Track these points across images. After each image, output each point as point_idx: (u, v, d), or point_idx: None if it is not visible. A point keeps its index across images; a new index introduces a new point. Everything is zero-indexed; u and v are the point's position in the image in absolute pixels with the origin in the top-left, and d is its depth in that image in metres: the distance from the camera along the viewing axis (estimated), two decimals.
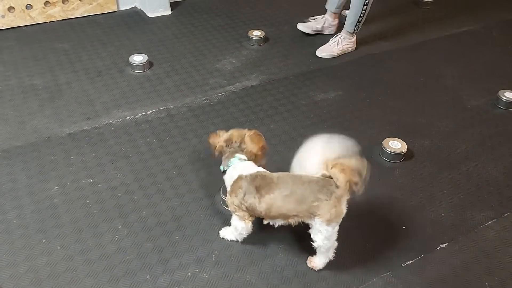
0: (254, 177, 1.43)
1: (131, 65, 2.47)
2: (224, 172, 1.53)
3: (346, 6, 2.65)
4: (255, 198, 1.40)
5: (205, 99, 2.28)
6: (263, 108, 2.23)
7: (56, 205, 1.68)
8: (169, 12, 3.09)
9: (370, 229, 1.65)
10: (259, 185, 1.41)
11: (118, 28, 2.88)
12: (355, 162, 1.37)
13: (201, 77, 2.45)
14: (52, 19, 2.89)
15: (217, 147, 1.54)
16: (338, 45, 2.62)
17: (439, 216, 1.70)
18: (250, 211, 1.44)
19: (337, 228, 1.41)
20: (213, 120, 2.14)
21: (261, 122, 2.13)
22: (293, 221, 1.42)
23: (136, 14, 3.06)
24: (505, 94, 2.30)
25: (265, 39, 2.79)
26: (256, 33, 2.78)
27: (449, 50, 2.79)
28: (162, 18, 3.03)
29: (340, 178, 1.34)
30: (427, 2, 3.31)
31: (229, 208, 1.51)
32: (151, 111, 2.17)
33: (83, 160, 1.88)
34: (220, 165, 1.55)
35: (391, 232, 1.64)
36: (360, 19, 2.54)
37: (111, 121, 2.10)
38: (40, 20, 2.86)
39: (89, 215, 1.65)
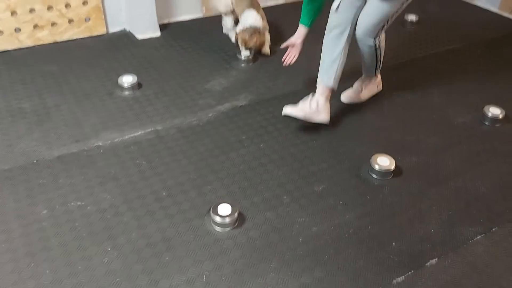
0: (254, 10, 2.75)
1: (120, 87, 2.48)
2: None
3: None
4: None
5: (194, 120, 2.29)
6: (253, 128, 2.24)
7: (45, 228, 1.66)
8: (158, 34, 3.12)
9: (360, 246, 1.65)
10: None
11: (107, 50, 2.90)
12: None
13: (190, 98, 2.46)
14: (40, 43, 2.91)
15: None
16: (366, 91, 2.43)
17: (429, 232, 1.71)
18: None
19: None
20: (202, 140, 2.14)
21: (251, 142, 2.14)
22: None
23: (125, 37, 3.09)
24: (490, 110, 2.34)
25: (254, 59, 2.83)
26: (245, 54, 2.81)
27: (435, 68, 2.84)
28: (151, 40, 3.06)
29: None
30: (413, 22, 3.39)
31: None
32: (140, 133, 2.18)
33: (72, 182, 1.87)
34: None
35: (381, 249, 1.64)
36: (379, 65, 2.34)
37: (100, 143, 2.09)
38: (29, 43, 2.87)
39: (78, 238, 1.63)
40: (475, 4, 3.78)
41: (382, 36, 2.19)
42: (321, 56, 2.20)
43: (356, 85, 2.43)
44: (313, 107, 2.12)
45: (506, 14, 3.59)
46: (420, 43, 3.11)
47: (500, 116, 2.31)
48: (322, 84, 2.18)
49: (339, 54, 2.14)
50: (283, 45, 2.26)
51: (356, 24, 2.11)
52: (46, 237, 1.63)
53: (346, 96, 2.43)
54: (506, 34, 3.32)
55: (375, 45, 2.16)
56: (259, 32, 2.67)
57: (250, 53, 2.74)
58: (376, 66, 2.31)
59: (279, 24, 3.25)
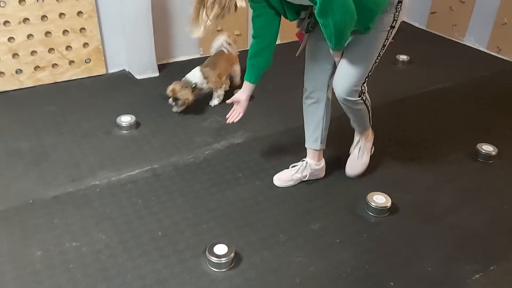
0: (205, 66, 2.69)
1: (118, 126, 2.51)
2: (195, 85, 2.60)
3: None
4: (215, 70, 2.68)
5: (191, 158, 2.31)
6: (249, 165, 2.26)
7: (39, 270, 1.64)
8: (157, 74, 3.19)
9: (358, 286, 1.63)
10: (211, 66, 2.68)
11: (106, 90, 2.96)
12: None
13: (187, 136, 2.49)
14: (41, 83, 2.96)
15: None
16: (366, 153, 2.18)
17: (426, 271, 1.70)
18: (219, 77, 2.70)
19: None
20: (198, 178, 2.15)
21: (247, 179, 2.16)
22: (230, 72, 2.87)
23: (124, 77, 3.16)
24: (483, 147, 2.37)
25: (250, 98, 2.86)
26: (173, 106, 2.82)
27: (426, 106, 2.90)
28: (150, 80, 3.12)
29: (235, 48, 2.88)
30: (404, 61, 3.49)
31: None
32: (136, 171, 2.19)
33: (67, 223, 1.86)
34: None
35: None
36: (370, 116, 2.08)
37: (96, 182, 2.10)
38: (29, 84, 2.93)
39: (72, 280, 1.61)
40: (464, 43, 3.90)
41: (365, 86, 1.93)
42: (304, 119, 2.10)
43: (355, 151, 2.18)
44: (305, 174, 2.10)
45: (493, 53, 3.70)
46: (411, 82, 3.18)
47: (493, 153, 2.35)
48: (311, 148, 2.10)
49: (320, 120, 2.02)
50: (228, 101, 2.08)
51: (333, 86, 1.90)
52: (40, 280, 1.60)
53: (350, 168, 2.17)
54: (494, 72, 3.41)
55: (363, 100, 1.91)
56: (195, 89, 2.62)
57: (176, 105, 2.63)
58: (369, 118, 2.08)
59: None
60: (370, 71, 1.82)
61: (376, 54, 1.78)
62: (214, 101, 2.81)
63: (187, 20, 1.71)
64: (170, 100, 2.62)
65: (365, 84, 1.87)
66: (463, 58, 3.65)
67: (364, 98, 1.92)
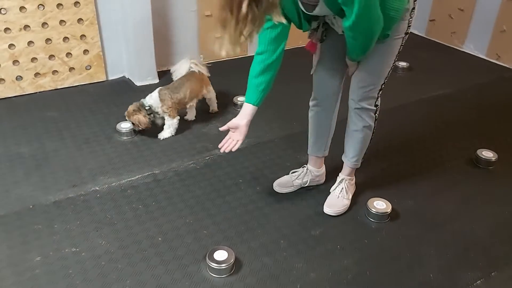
0: (166, 89, 2.48)
1: (118, 132, 2.51)
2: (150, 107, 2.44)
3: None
4: (178, 94, 2.47)
5: (191, 163, 2.31)
6: (250, 171, 2.26)
7: (38, 276, 1.63)
8: (157, 80, 3.20)
9: None
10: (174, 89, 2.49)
11: (106, 96, 2.96)
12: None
13: (188, 141, 2.49)
14: (42, 89, 2.97)
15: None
16: (348, 193, 2.01)
17: (428, 277, 1.69)
18: (178, 104, 2.47)
19: None
20: (199, 184, 2.15)
21: (247, 185, 2.15)
22: (200, 95, 2.63)
23: (124, 83, 3.16)
24: (483, 153, 2.37)
25: None
26: (241, 99, 2.87)
27: (426, 112, 2.91)
28: (150, 87, 3.12)
29: (205, 69, 2.65)
30: (404, 68, 3.50)
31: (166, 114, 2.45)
32: (137, 177, 2.19)
33: (67, 228, 1.86)
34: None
35: None
36: (366, 150, 1.97)
37: (97, 188, 2.10)
38: (30, 90, 2.93)
39: (71, 286, 1.60)
40: (464, 50, 3.92)
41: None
42: (309, 127, 2.05)
43: (336, 191, 2.02)
44: (306, 181, 2.09)
45: (493, 60, 3.72)
46: (411, 89, 3.19)
47: (493, 159, 2.35)
48: (313, 155, 2.08)
49: (327, 128, 1.99)
50: (223, 128, 1.79)
51: (350, 93, 1.83)
52: (39, 286, 1.59)
53: (329, 206, 1.99)
54: (493, 79, 3.43)
55: (375, 115, 1.85)
56: (151, 112, 2.45)
57: (133, 126, 2.48)
58: (367, 145, 1.95)
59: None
60: (386, 77, 1.78)
61: (392, 61, 1.76)
62: (164, 133, 2.50)
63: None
64: (127, 121, 2.48)
65: (381, 93, 1.82)
66: (463, 65, 3.66)
67: (377, 114, 1.86)
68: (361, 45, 1.59)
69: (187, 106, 2.58)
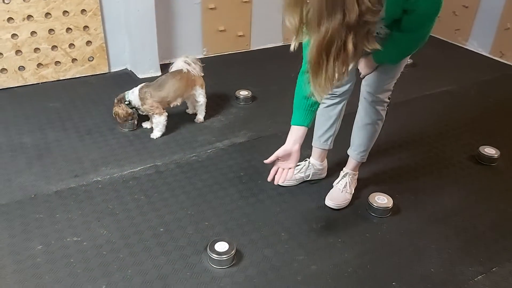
0: (148, 86, 2.39)
1: (121, 123, 2.50)
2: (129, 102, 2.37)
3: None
4: (161, 92, 2.38)
5: (193, 156, 2.31)
6: (251, 164, 2.26)
7: (39, 264, 1.63)
8: (159, 73, 3.19)
9: (360, 286, 1.62)
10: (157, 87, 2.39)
11: (109, 88, 2.96)
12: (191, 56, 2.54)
13: (190, 134, 2.49)
14: (44, 80, 2.97)
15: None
16: (350, 188, 2.01)
17: (429, 271, 1.69)
18: (160, 103, 2.37)
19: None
20: (201, 176, 2.15)
21: (249, 178, 2.15)
22: (187, 95, 2.51)
23: (127, 75, 3.16)
24: (486, 150, 2.37)
25: (252, 98, 2.88)
26: (244, 93, 2.87)
27: (430, 108, 2.90)
28: (153, 79, 3.10)
29: (197, 68, 2.51)
30: (407, 64, 3.47)
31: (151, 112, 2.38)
32: (139, 168, 2.18)
33: (69, 218, 1.86)
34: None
35: None
36: (372, 145, 1.97)
37: (98, 178, 2.10)
38: (33, 81, 2.93)
39: (72, 275, 1.60)
40: (467, 48, 3.90)
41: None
42: (315, 120, 2.00)
43: (339, 184, 2.01)
44: (308, 174, 2.08)
45: (496, 58, 3.71)
46: (415, 85, 3.18)
47: (496, 156, 2.34)
48: (319, 148, 2.06)
49: (335, 121, 1.97)
50: (270, 160, 1.63)
51: (367, 86, 1.82)
52: (40, 274, 1.60)
53: (331, 199, 1.98)
54: (497, 76, 3.42)
55: (387, 108, 1.87)
56: (132, 107, 2.38)
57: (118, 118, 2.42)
58: (375, 137, 1.95)
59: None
60: (401, 71, 1.81)
61: (406, 61, 1.80)
62: (155, 133, 2.42)
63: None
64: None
65: (394, 86, 1.84)
66: (466, 62, 3.65)
67: (388, 107, 1.88)
68: (402, 50, 1.60)
69: (171, 105, 2.45)
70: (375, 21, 1.21)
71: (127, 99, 2.38)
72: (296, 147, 1.61)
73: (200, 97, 2.55)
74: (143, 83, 2.42)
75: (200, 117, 2.61)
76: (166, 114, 2.41)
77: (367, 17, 1.18)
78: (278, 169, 1.65)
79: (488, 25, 3.71)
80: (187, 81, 2.47)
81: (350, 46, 1.21)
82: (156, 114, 2.38)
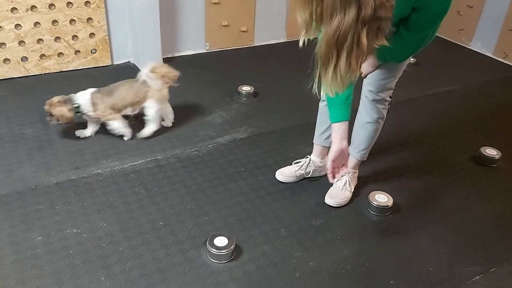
0: (99, 92, 2.27)
1: (122, 117, 2.50)
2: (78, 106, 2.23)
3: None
4: (111, 99, 2.25)
5: (194, 150, 2.31)
6: (252, 160, 2.26)
7: (39, 255, 1.64)
8: None
9: (357, 283, 1.63)
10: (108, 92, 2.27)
11: (111, 80, 2.91)
12: (165, 67, 2.40)
13: (191, 129, 2.49)
14: (47, 71, 2.96)
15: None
16: (350, 186, 2.01)
17: (427, 270, 1.69)
18: (111, 109, 2.25)
19: (159, 106, 2.35)
20: (201, 171, 2.15)
21: (249, 174, 2.15)
22: (138, 107, 2.36)
23: (129, 68, 3.16)
24: (487, 151, 2.37)
25: (254, 94, 2.88)
26: (246, 88, 2.87)
27: (432, 108, 2.90)
28: None
29: (156, 84, 2.31)
30: (410, 63, 3.47)
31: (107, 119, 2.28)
32: (140, 162, 2.19)
33: (69, 209, 1.86)
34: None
35: (379, 287, 1.61)
36: (373, 143, 1.97)
37: (99, 171, 2.10)
38: (35, 72, 2.93)
39: (71, 266, 1.61)
40: (471, 48, 3.89)
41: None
42: (317, 117, 2.03)
43: (339, 182, 2.01)
44: (309, 171, 2.08)
45: (500, 59, 3.70)
46: (417, 84, 3.18)
47: (497, 157, 2.34)
48: (321, 145, 2.06)
49: None
50: (330, 169, 1.65)
51: (368, 84, 1.82)
52: (39, 265, 1.60)
53: (331, 197, 1.99)
54: (500, 77, 3.41)
55: (387, 107, 1.86)
56: (78, 111, 2.23)
57: (51, 118, 2.25)
58: (376, 136, 1.96)
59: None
60: (403, 69, 1.81)
61: (409, 60, 1.80)
62: (125, 137, 2.34)
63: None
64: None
65: (395, 85, 1.83)
66: (470, 63, 3.64)
67: (389, 106, 1.87)
68: (408, 49, 1.59)
69: (121, 113, 2.31)
70: (387, 17, 1.19)
71: (76, 103, 2.22)
72: (344, 143, 1.62)
73: (150, 110, 2.33)
74: (92, 89, 2.27)
75: (146, 132, 2.37)
76: (120, 117, 2.30)
77: (380, 12, 1.16)
78: (333, 168, 1.65)
79: (492, 25, 3.70)
80: (137, 91, 2.30)
81: (364, 41, 1.18)
82: (109, 120, 2.27)
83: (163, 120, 2.47)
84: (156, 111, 2.34)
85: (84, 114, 2.26)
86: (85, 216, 1.83)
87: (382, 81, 1.79)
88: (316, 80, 1.31)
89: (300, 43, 1.34)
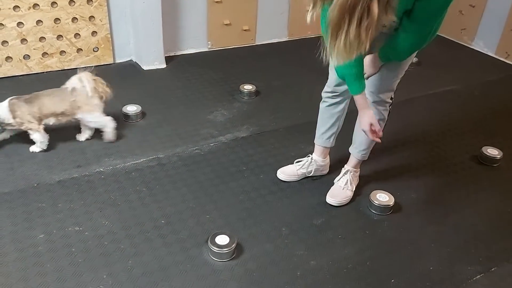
0: (18, 99, 2.12)
1: (124, 115, 2.51)
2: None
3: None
4: (30, 106, 2.09)
5: (196, 149, 2.31)
6: (253, 159, 2.26)
7: (41, 253, 1.65)
8: (164, 65, 3.19)
9: (358, 282, 1.63)
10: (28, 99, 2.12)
11: (113, 79, 2.94)
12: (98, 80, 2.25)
13: (193, 128, 2.50)
14: (49, 69, 2.97)
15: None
16: (351, 185, 2.02)
17: (428, 269, 1.70)
18: (32, 118, 2.10)
19: (99, 114, 2.23)
20: (203, 169, 2.16)
21: (251, 172, 2.16)
22: (64, 119, 2.19)
23: (131, 67, 3.16)
24: (488, 150, 2.37)
25: (256, 93, 2.88)
26: (248, 87, 2.87)
27: (433, 107, 2.90)
28: (157, 71, 3.13)
29: (90, 85, 2.18)
30: (412, 63, 3.46)
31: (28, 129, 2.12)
32: (142, 160, 2.19)
33: (71, 207, 1.87)
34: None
35: (380, 286, 1.62)
36: (373, 144, 1.96)
37: (101, 169, 2.11)
38: (37, 70, 2.93)
39: (73, 264, 1.61)
40: (473, 47, 3.89)
41: None
42: (318, 118, 2.04)
43: (340, 181, 2.02)
44: (310, 170, 2.09)
45: (502, 59, 3.69)
46: (419, 83, 3.18)
47: (498, 157, 2.34)
48: (321, 146, 2.07)
49: (338, 120, 1.98)
50: (378, 131, 1.70)
51: (372, 86, 1.80)
52: (41, 262, 1.61)
53: (332, 196, 2.00)
54: (502, 77, 3.41)
55: (389, 108, 1.87)
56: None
57: None
58: (371, 147, 1.98)
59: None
60: (405, 70, 1.79)
61: (411, 59, 1.78)
62: (34, 147, 2.17)
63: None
64: None
65: (397, 86, 1.83)
66: (471, 62, 3.64)
67: (390, 107, 1.87)
68: (410, 45, 1.58)
69: (42, 123, 2.16)
70: None
71: None
72: (371, 111, 1.68)
73: (91, 124, 2.25)
74: (10, 98, 2.13)
75: (84, 136, 2.28)
76: (42, 128, 2.14)
77: None
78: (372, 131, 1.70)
79: (494, 25, 3.69)
80: (62, 100, 2.16)
81: (375, 10, 1.19)
82: (30, 130, 2.12)
83: (102, 132, 2.28)
84: (90, 122, 2.21)
85: (6, 124, 2.11)
86: (87, 214, 1.84)
87: (383, 81, 1.78)
88: (328, 47, 1.30)
89: (308, 19, 1.34)
